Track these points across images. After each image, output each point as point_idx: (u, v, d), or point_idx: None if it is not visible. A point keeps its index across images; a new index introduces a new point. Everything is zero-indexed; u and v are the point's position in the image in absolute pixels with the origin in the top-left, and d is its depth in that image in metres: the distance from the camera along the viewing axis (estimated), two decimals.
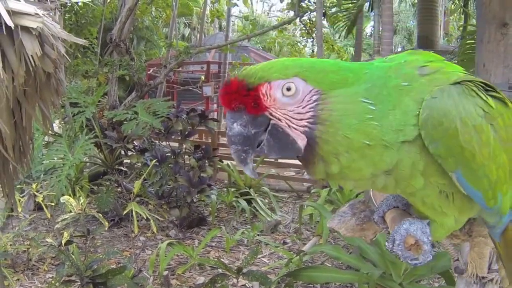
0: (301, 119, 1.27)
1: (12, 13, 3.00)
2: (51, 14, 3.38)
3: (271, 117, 1.28)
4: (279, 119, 1.28)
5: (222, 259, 6.38)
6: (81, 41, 3.82)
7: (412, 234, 1.48)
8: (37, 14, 3.05)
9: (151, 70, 16.24)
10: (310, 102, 1.26)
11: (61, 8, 3.54)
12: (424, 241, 1.47)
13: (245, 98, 1.26)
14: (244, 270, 5.18)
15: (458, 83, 1.32)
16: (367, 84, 1.29)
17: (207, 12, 18.25)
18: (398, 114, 1.28)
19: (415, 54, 1.44)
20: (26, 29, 3.04)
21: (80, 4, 10.97)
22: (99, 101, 9.11)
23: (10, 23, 2.91)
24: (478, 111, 1.29)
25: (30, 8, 3.05)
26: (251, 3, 36.28)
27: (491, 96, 1.36)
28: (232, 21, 23.01)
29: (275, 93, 1.26)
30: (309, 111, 1.26)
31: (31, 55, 2.98)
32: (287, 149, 1.30)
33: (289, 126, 1.27)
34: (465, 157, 1.29)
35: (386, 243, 1.54)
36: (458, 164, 1.30)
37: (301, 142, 1.27)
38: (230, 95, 1.27)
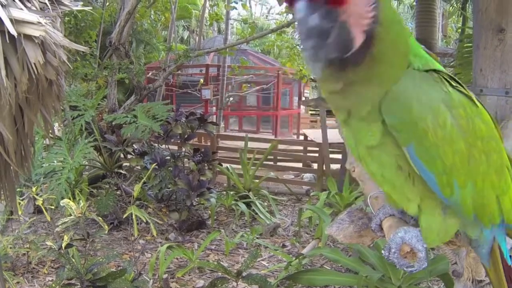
0: (366, 18, 1.26)
1: (15, 21, 3.02)
2: (53, 21, 3.41)
3: (344, 14, 1.24)
4: (351, 15, 1.25)
5: (221, 262, 6.40)
6: (82, 48, 3.84)
7: (407, 242, 1.53)
8: (40, 22, 3.07)
9: (150, 73, 16.28)
10: (372, 3, 1.26)
11: (62, 15, 3.56)
12: (419, 249, 1.52)
13: None
14: (244, 274, 5.20)
15: (427, 71, 1.39)
16: None
17: (206, 15, 18.31)
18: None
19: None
20: (29, 38, 3.07)
21: (80, 3, 10.98)
22: (98, 104, 9.13)
23: (13, 31, 2.94)
24: (436, 96, 1.36)
25: (33, 17, 3.08)
26: (250, 6, 36.35)
27: (458, 90, 1.42)
28: (231, 24, 23.06)
29: None
30: (372, 12, 1.26)
31: (34, 63, 3.01)
32: (344, 48, 1.26)
33: (356, 23, 1.25)
34: (418, 133, 1.34)
35: (383, 251, 1.58)
36: (411, 139, 1.35)
37: (359, 40, 1.27)
38: None
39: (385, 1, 1.31)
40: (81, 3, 3.86)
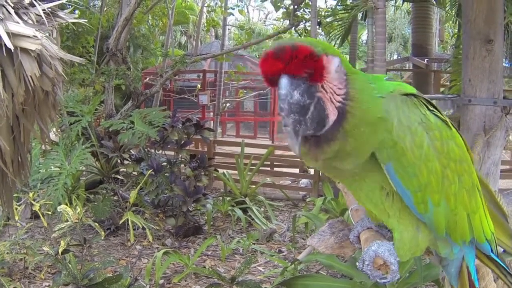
0: (339, 95, 1.34)
1: (12, 35, 3.08)
2: (49, 33, 3.46)
3: (322, 89, 1.32)
4: (327, 92, 1.32)
5: (217, 268, 6.44)
6: (77, 59, 3.89)
7: (380, 255, 1.62)
8: (36, 36, 3.13)
9: (147, 79, 16.31)
10: (343, 81, 1.35)
11: (57, 27, 3.62)
12: (391, 261, 1.60)
13: (315, 64, 1.28)
14: (239, 279, 5.24)
15: (407, 95, 1.48)
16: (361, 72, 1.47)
17: (203, 20, 18.35)
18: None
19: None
20: (25, 51, 3.12)
21: (77, 12, 11.02)
22: (95, 110, 9.16)
23: (10, 45, 2.99)
24: (415, 118, 1.45)
25: (29, 31, 3.13)
26: (247, 11, 36.42)
27: (434, 114, 1.51)
28: (228, 29, 23.10)
29: (332, 67, 1.32)
30: (344, 88, 1.35)
31: (30, 76, 3.07)
32: (318, 124, 1.33)
33: (330, 100, 1.33)
34: (397, 152, 1.42)
35: (357, 263, 1.66)
36: (390, 158, 1.43)
37: (332, 117, 1.34)
38: (302, 60, 1.26)
39: (355, 76, 1.40)
40: (76, 15, 3.91)
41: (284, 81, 1.27)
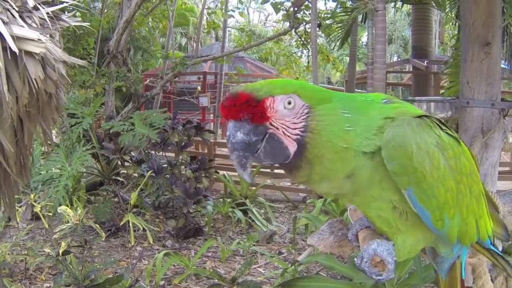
0: (295, 128, 1.46)
1: (17, 38, 3.12)
2: (52, 37, 3.49)
3: (271, 126, 1.46)
4: (277, 128, 1.46)
5: (218, 269, 6.46)
6: (80, 62, 3.93)
7: (379, 254, 1.67)
8: (40, 39, 3.17)
9: (148, 81, 16.33)
10: (302, 114, 1.47)
11: (60, 30, 3.65)
12: (389, 261, 1.67)
13: (253, 109, 1.43)
14: (240, 280, 5.26)
15: (419, 117, 1.54)
16: (341, 100, 1.53)
17: (204, 22, 18.37)
18: (364, 121, 1.52)
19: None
20: (30, 54, 3.16)
21: (78, 15, 11.05)
22: (96, 112, 9.18)
23: (14, 48, 3.03)
24: (431, 141, 1.51)
25: (34, 34, 3.17)
26: (248, 13, 36.44)
27: (446, 132, 1.58)
28: (229, 31, 23.12)
29: (278, 106, 1.46)
30: (302, 122, 1.47)
31: (34, 78, 3.11)
32: (279, 155, 1.49)
33: (284, 134, 1.46)
34: (417, 177, 1.49)
35: (355, 259, 1.72)
36: (411, 183, 1.50)
37: (292, 148, 1.47)
38: (239, 106, 1.43)
39: (322, 107, 1.50)
40: (79, 18, 3.94)
41: (229, 124, 1.46)
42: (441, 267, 1.87)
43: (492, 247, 1.88)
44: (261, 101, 1.43)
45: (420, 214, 1.56)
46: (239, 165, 1.47)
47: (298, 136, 1.46)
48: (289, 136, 1.46)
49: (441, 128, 1.59)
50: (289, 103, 1.46)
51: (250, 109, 1.43)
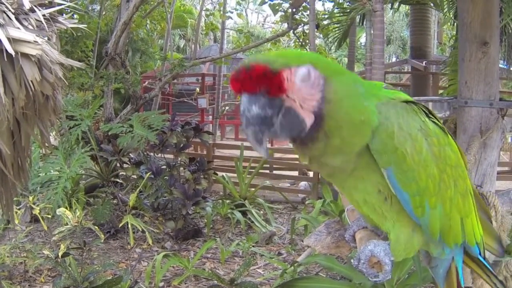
0: (312, 100, 1.43)
1: (13, 40, 3.12)
2: (49, 39, 3.49)
3: (287, 99, 1.41)
4: (294, 101, 1.42)
5: (217, 270, 6.45)
6: (77, 64, 3.92)
7: (376, 255, 1.68)
8: (36, 41, 3.17)
9: (146, 82, 16.33)
10: (319, 85, 1.43)
11: (57, 32, 3.65)
12: (386, 262, 1.67)
13: (270, 81, 1.38)
14: (239, 281, 5.26)
15: (406, 102, 1.56)
16: (352, 75, 1.55)
17: (202, 24, 18.36)
18: (375, 99, 1.54)
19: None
20: (26, 56, 3.16)
21: (76, 17, 11.06)
22: (95, 114, 9.18)
23: (11, 50, 3.03)
24: (415, 124, 1.52)
25: (30, 36, 3.17)
26: (246, 15, 36.46)
27: (433, 121, 1.59)
28: (227, 33, 23.12)
29: (295, 77, 1.41)
30: (319, 93, 1.43)
31: (31, 80, 3.11)
32: (295, 128, 1.44)
33: (301, 106, 1.42)
34: (397, 157, 1.50)
35: (352, 260, 1.72)
36: (391, 162, 1.50)
37: (309, 121, 1.43)
38: (255, 79, 1.38)
39: (337, 78, 1.48)
40: (76, 20, 3.95)
41: (243, 98, 1.41)
42: (436, 273, 1.85)
43: (480, 258, 1.84)
44: (278, 73, 1.38)
45: (399, 197, 1.55)
46: (254, 140, 1.42)
47: (315, 108, 1.43)
48: (306, 108, 1.43)
49: (427, 116, 1.59)
50: (305, 74, 1.42)
51: (267, 82, 1.38)
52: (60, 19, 3.74)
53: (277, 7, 11.77)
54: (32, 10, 3.55)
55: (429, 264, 1.86)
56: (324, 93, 1.43)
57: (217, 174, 10.02)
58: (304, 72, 1.42)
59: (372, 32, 8.34)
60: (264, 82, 1.38)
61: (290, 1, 11.28)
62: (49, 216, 6.68)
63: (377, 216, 1.66)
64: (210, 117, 18.53)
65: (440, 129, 1.61)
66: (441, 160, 1.57)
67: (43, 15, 3.53)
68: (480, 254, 1.82)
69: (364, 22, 10.08)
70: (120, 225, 6.22)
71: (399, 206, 1.59)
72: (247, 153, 10.51)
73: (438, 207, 1.61)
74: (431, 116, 1.61)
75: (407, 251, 1.67)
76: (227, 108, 20.01)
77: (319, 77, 1.44)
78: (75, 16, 11.02)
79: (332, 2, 12.11)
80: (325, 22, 11.91)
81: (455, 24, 10.37)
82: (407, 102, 1.58)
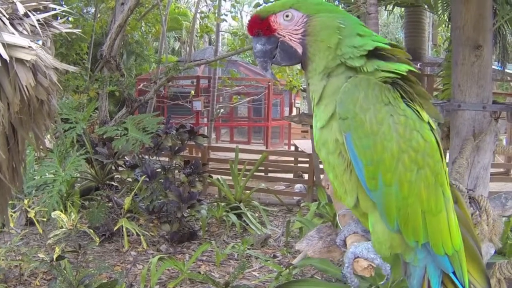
0: (297, 34, 1.76)
1: (7, 46, 3.13)
2: (43, 43, 3.50)
3: (279, 35, 1.77)
4: (284, 36, 1.77)
5: (212, 273, 6.46)
6: (72, 68, 3.94)
7: (359, 255, 1.71)
8: (31, 47, 3.18)
9: (141, 85, 16.33)
10: (302, 22, 1.76)
11: (52, 37, 3.66)
12: (371, 257, 1.70)
13: (261, 25, 1.77)
14: (234, 284, 5.27)
15: (387, 83, 1.68)
16: (346, 16, 1.77)
17: (197, 26, 18.36)
18: (356, 42, 1.72)
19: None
20: (21, 61, 3.18)
21: (70, 19, 11.04)
22: (90, 116, 9.18)
23: (5, 56, 3.05)
24: (384, 99, 1.61)
25: (24, 41, 3.18)
26: (241, 17, 36.47)
27: (408, 105, 1.65)
28: (222, 35, 23.12)
29: (279, 19, 1.77)
30: (302, 28, 1.75)
31: (26, 85, 3.12)
32: (292, 57, 1.79)
33: (290, 39, 1.77)
34: (356, 122, 1.59)
35: (341, 270, 1.73)
36: (350, 127, 1.60)
37: (299, 50, 1.77)
38: (252, 25, 1.78)
39: (322, 15, 1.75)
40: (70, 25, 3.95)
41: (252, 40, 1.82)
42: (411, 284, 1.78)
43: (452, 276, 1.75)
44: (266, 18, 1.76)
45: (353, 163, 1.62)
46: (262, 68, 1.83)
47: (300, 40, 1.75)
48: (294, 41, 1.76)
49: (403, 98, 1.66)
50: (287, 16, 1.75)
51: (259, 25, 1.77)
52: (55, 23, 3.75)
53: None
54: (26, 15, 3.55)
55: (405, 274, 1.80)
56: (305, 27, 1.74)
57: (212, 177, 10.04)
58: (285, 14, 1.75)
59: None
60: (257, 26, 1.77)
61: None
62: (44, 219, 6.68)
63: (339, 186, 1.73)
64: (205, 119, 18.54)
65: (415, 112, 1.64)
66: (404, 140, 1.59)
67: (38, 20, 3.54)
68: (454, 273, 1.73)
69: None
70: (115, 228, 6.22)
71: (357, 178, 1.63)
72: (242, 155, 10.52)
73: (393, 186, 1.61)
74: (410, 102, 1.66)
75: (388, 244, 1.67)
76: (222, 110, 20.02)
77: (302, 16, 1.75)
78: (70, 19, 11.00)
79: None
80: None
81: (449, 26, 10.41)
82: (392, 83, 1.68)
